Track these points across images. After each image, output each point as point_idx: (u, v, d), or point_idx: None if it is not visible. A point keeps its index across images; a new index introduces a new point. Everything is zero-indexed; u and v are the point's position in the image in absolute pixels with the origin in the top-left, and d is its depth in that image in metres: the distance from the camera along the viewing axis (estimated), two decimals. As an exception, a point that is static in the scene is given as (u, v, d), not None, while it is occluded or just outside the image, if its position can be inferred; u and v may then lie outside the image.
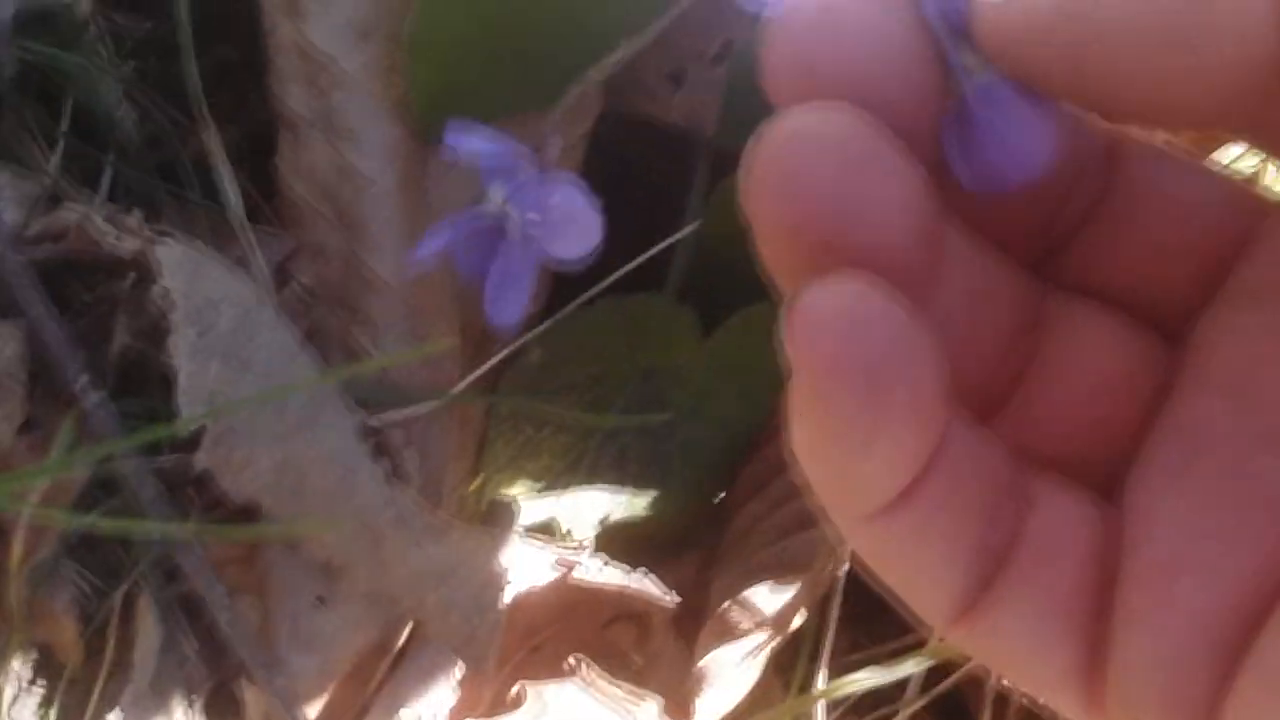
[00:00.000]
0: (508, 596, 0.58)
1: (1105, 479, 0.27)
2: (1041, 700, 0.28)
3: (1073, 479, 0.27)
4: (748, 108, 0.60)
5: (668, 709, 0.60)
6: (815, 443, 0.24)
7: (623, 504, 0.62)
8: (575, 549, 0.61)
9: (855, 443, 0.23)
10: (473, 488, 0.59)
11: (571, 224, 0.47)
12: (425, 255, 0.47)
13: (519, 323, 0.49)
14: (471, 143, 0.47)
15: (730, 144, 0.61)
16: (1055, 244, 0.28)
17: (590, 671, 0.59)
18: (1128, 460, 0.27)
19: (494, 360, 0.54)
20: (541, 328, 0.58)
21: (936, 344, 0.23)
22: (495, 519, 0.60)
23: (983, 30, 0.25)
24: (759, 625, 0.60)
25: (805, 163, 0.23)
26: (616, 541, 0.62)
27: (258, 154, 0.60)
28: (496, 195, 0.47)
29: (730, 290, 0.57)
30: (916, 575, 0.26)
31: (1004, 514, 0.26)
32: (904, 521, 0.25)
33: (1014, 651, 0.26)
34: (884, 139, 0.24)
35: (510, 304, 0.48)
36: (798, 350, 0.23)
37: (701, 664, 0.61)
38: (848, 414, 0.23)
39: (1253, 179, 0.56)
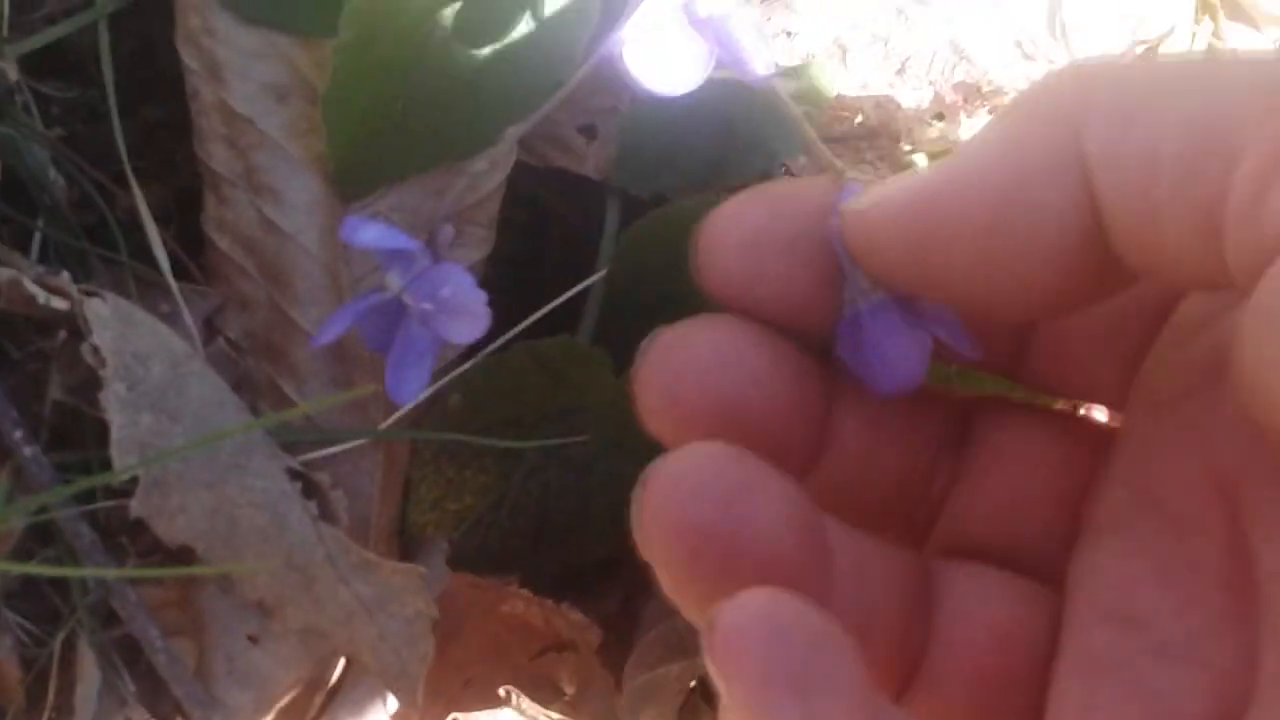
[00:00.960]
0: (437, 632, 0.61)
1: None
2: None
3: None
4: (653, 156, 0.64)
5: (595, 734, 0.63)
6: None
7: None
8: (503, 583, 0.63)
9: None
10: (398, 528, 0.62)
11: (462, 313, 0.50)
12: (330, 336, 0.50)
13: (416, 397, 0.52)
14: (368, 236, 0.50)
15: (637, 190, 0.64)
16: (927, 517, 0.31)
17: (521, 702, 0.61)
18: (1037, 708, 0.28)
19: (414, 402, 0.57)
20: (459, 371, 0.60)
21: (847, 635, 0.25)
22: (422, 557, 0.62)
23: (849, 234, 0.29)
24: (686, 651, 0.63)
25: (687, 509, 0.26)
26: (543, 575, 0.64)
27: (184, 212, 0.63)
28: (394, 283, 0.50)
29: (641, 330, 0.60)
30: None
31: None
32: None
33: None
34: (754, 468, 0.26)
35: (410, 381, 0.51)
36: (727, 668, 0.24)
37: (630, 691, 0.63)
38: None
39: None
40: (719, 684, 0.24)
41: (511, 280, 0.64)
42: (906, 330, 0.30)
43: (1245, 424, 0.26)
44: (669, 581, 0.27)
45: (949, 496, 0.31)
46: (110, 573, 0.52)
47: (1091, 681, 0.27)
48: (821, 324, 0.30)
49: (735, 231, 0.29)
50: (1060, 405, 0.33)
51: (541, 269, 0.66)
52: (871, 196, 0.28)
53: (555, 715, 0.61)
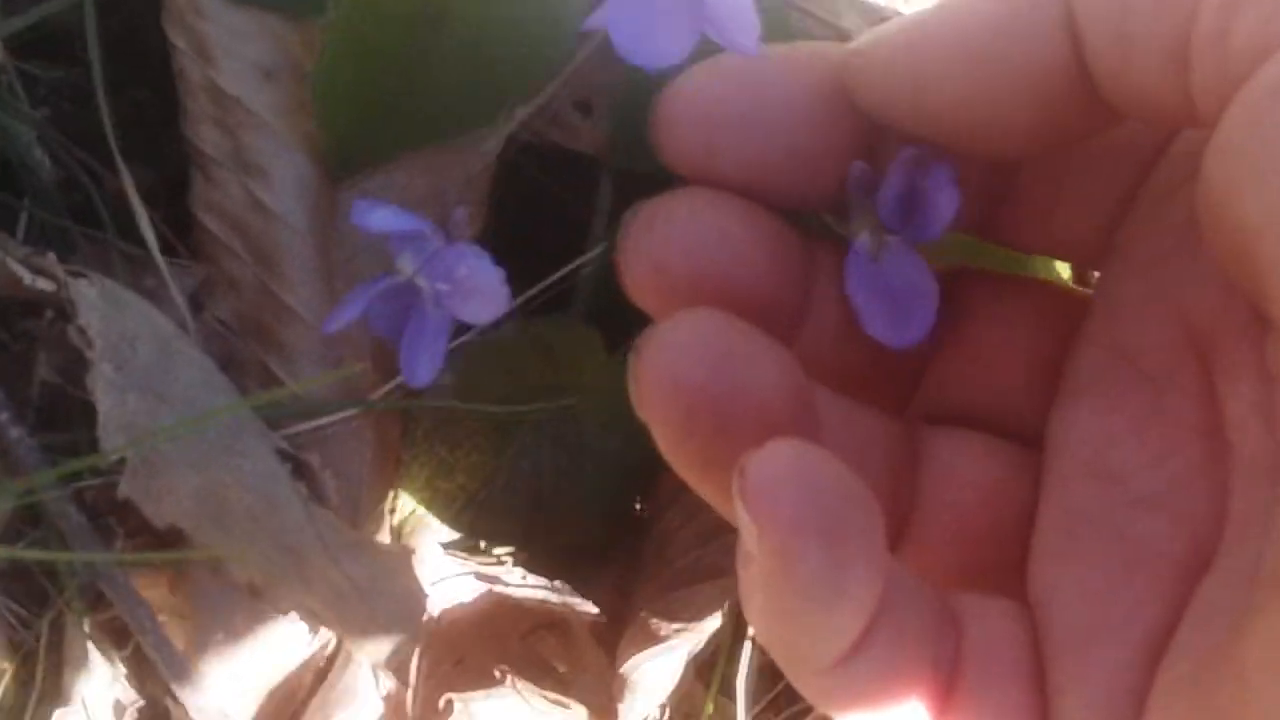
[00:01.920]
0: (431, 611, 0.61)
1: (1010, 580, 0.29)
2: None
3: (985, 589, 0.29)
4: (647, 134, 0.63)
5: (592, 716, 0.62)
6: (782, 602, 0.25)
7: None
8: (495, 562, 0.63)
9: (824, 595, 0.25)
10: (390, 507, 0.61)
11: (479, 293, 0.50)
12: (341, 323, 0.50)
13: (432, 379, 0.51)
14: (378, 219, 0.49)
15: (632, 168, 0.64)
16: (908, 383, 0.31)
17: (516, 681, 0.61)
18: (1020, 562, 0.29)
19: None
20: (452, 347, 0.60)
21: (867, 490, 0.25)
22: (414, 537, 0.62)
23: (850, 74, 0.29)
24: (679, 631, 0.63)
25: (680, 370, 0.26)
26: (536, 554, 0.64)
27: (171, 192, 0.62)
28: (407, 266, 0.50)
29: (634, 311, 0.59)
30: (879, 716, 0.27)
31: (944, 637, 0.27)
32: (863, 665, 0.26)
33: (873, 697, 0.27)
34: (744, 332, 0.27)
35: (424, 365, 0.51)
36: (759, 513, 0.24)
37: (624, 670, 0.63)
38: (815, 568, 0.24)
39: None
40: (746, 529, 0.25)
41: (504, 257, 0.64)
42: (918, 276, 0.30)
43: (1219, 280, 0.27)
44: (665, 440, 0.27)
45: (929, 363, 0.32)
46: (99, 557, 0.52)
47: (1072, 533, 0.28)
48: (788, 192, 0.30)
49: (693, 103, 0.29)
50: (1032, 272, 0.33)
51: (535, 246, 0.66)
52: (871, 36, 0.29)
53: (550, 694, 0.61)
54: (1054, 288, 0.31)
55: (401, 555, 0.55)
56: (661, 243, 0.28)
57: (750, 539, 0.25)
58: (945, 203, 0.29)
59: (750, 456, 0.25)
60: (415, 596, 0.55)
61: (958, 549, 0.30)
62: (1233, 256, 0.24)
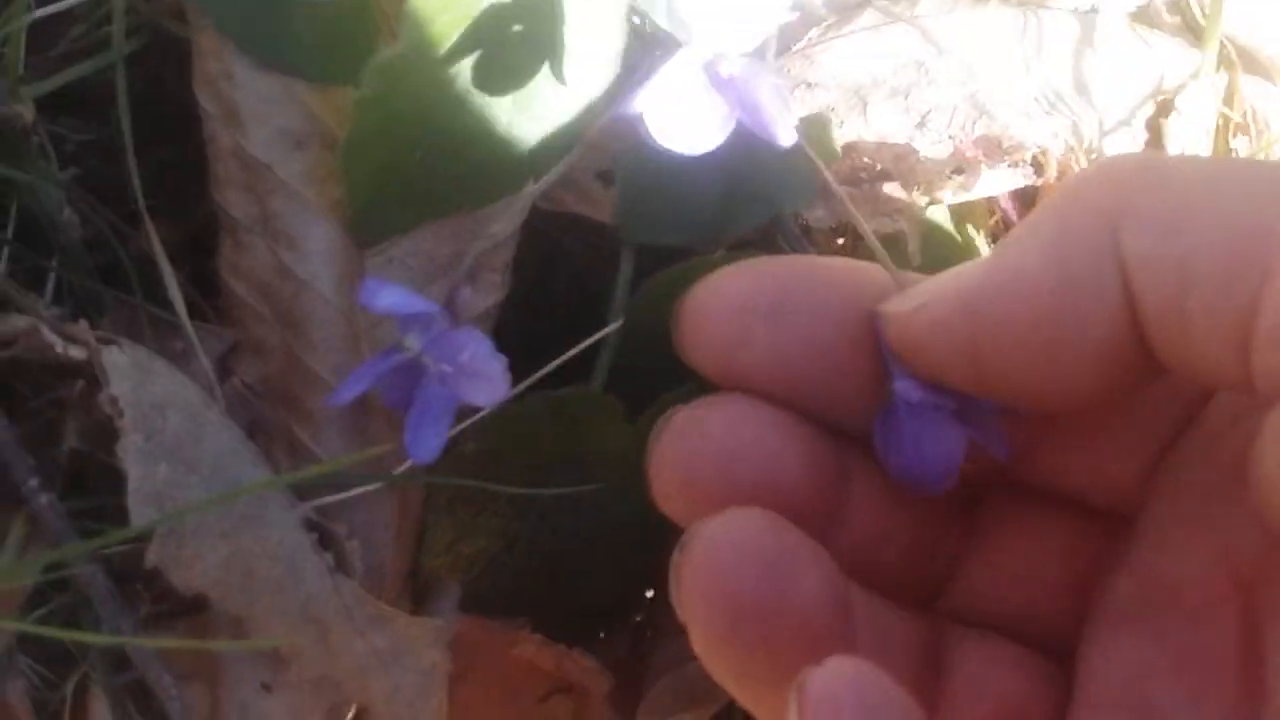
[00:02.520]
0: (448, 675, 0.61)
1: None
2: None
3: None
4: (657, 207, 0.64)
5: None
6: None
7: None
8: (513, 626, 0.64)
9: None
10: (412, 571, 0.62)
11: (481, 377, 0.51)
12: (349, 396, 0.51)
13: (435, 456, 0.52)
14: (386, 300, 0.50)
15: (654, 240, 0.64)
16: (937, 585, 0.32)
17: (529, 747, 0.61)
18: None
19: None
20: (473, 419, 0.60)
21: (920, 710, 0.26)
22: (435, 600, 0.62)
23: (893, 336, 0.29)
24: (695, 701, 0.63)
25: (729, 576, 0.27)
26: (554, 618, 0.65)
27: (198, 254, 0.63)
28: (412, 345, 0.51)
29: (654, 379, 0.60)
30: None
31: None
32: None
33: None
34: (790, 536, 0.27)
35: (428, 442, 0.51)
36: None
37: (636, 735, 0.63)
38: None
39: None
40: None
41: (525, 324, 0.64)
42: (946, 429, 0.31)
43: (1265, 524, 0.27)
44: (704, 644, 0.28)
45: (959, 568, 0.32)
46: (126, 641, 0.52)
47: None
48: (814, 394, 0.30)
49: (717, 301, 0.30)
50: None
51: (555, 312, 0.66)
52: (913, 299, 0.29)
53: (565, 762, 0.62)
54: (1088, 506, 0.32)
55: (426, 628, 0.56)
56: (695, 455, 0.29)
57: None
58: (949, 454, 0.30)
59: (810, 673, 0.25)
60: (438, 670, 0.56)
61: None
62: None
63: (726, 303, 0.30)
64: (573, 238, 0.67)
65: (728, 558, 0.27)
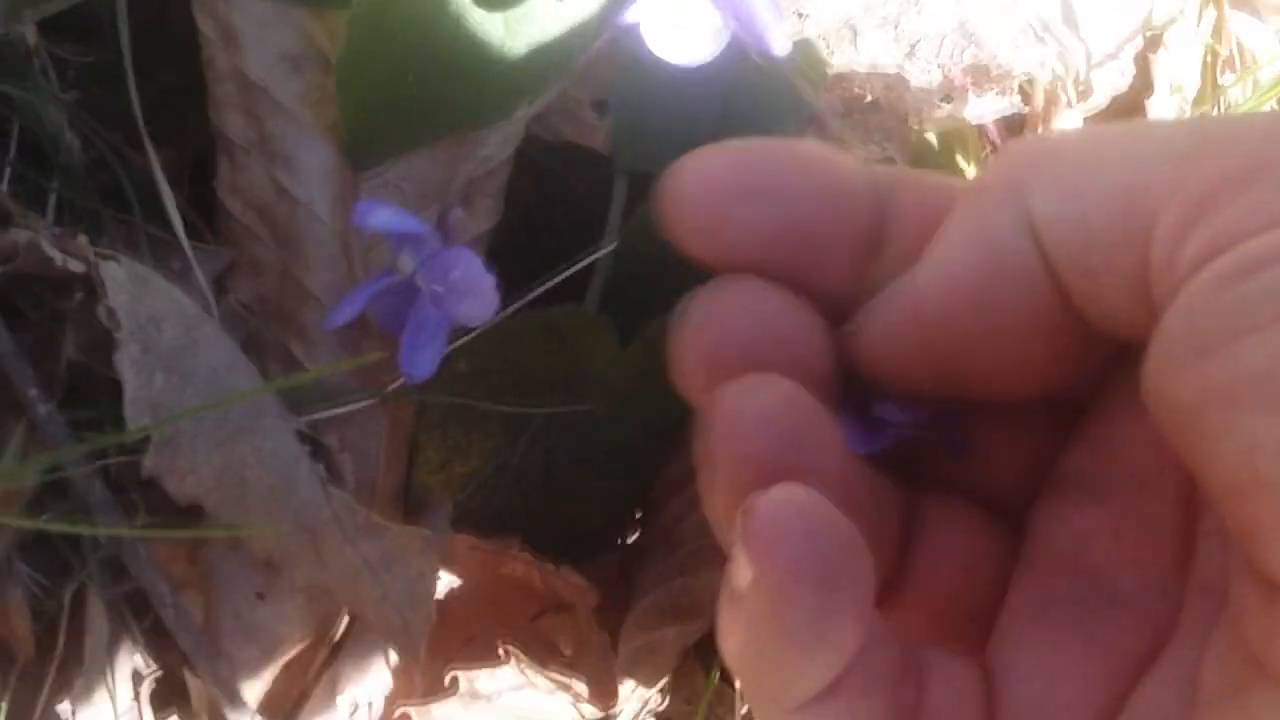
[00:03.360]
0: (440, 591, 0.62)
1: (976, 648, 0.30)
2: None
3: (950, 649, 0.30)
4: (650, 134, 0.64)
5: (593, 695, 0.64)
6: (764, 644, 0.26)
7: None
8: (504, 545, 0.65)
9: (807, 642, 0.26)
10: (403, 489, 0.63)
11: (472, 295, 0.52)
12: (345, 318, 0.52)
13: (430, 374, 0.53)
14: (379, 219, 0.51)
15: (647, 168, 0.65)
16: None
17: (520, 659, 0.62)
18: (989, 628, 0.30)
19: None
20: (467, 338, 0.61)
21: (865, 545, 0.26)
22: (427, 518, 0.63)
23: (855, 351, 0.30)
24: (680, 616, 0.64)
25: (751, 432, 0.27)
26: (544, 538, 0.66)
27: (196, 178, 0.64)
28: (406, 265, 0.52)
29: (646, 303, 0.61)
30: None
31: (906, 690, 0.28)
32: (829, 710, 0.27)
33: None
34: (807, 399, 0.28)
35: (422, 360, 0.53)
36: (759, 555, 0.25)
37: (625, 653, 0.64)
38: (805, 615, 0.25)
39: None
40: (744, 568, 0.25)
41: (519, 249, 0.65)
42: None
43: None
44: (724, 497, 0.28)
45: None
46: (123, 532, 0.53)
47: (1039, 617, 0.29)
48: (795, 276, 0.31)
49: (695, 181, 0.30)
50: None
51: (549, 238, 0.67)
52: (864, 314, 0.30)
53: (553, 674, 0.63)
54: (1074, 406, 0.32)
55: (415, 538, 0.57)
56: (718, 331, 0.30)
57: (743, 578, 0.26)
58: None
59: (758, 498, 0.26)
60: (427, 578, 0.57)
61: (934, 607, 0.31)
62: (1174, 432, 0.25)
63: (703, 182, 0.31)
64: (568, 166, 0.68)
65: (754, 418, 0.27)
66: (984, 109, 0.62)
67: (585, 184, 0.68)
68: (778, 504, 0.26)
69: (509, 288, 0.57)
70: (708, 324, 0.30)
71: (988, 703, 0.29)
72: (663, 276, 0.65)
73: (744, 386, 0.28)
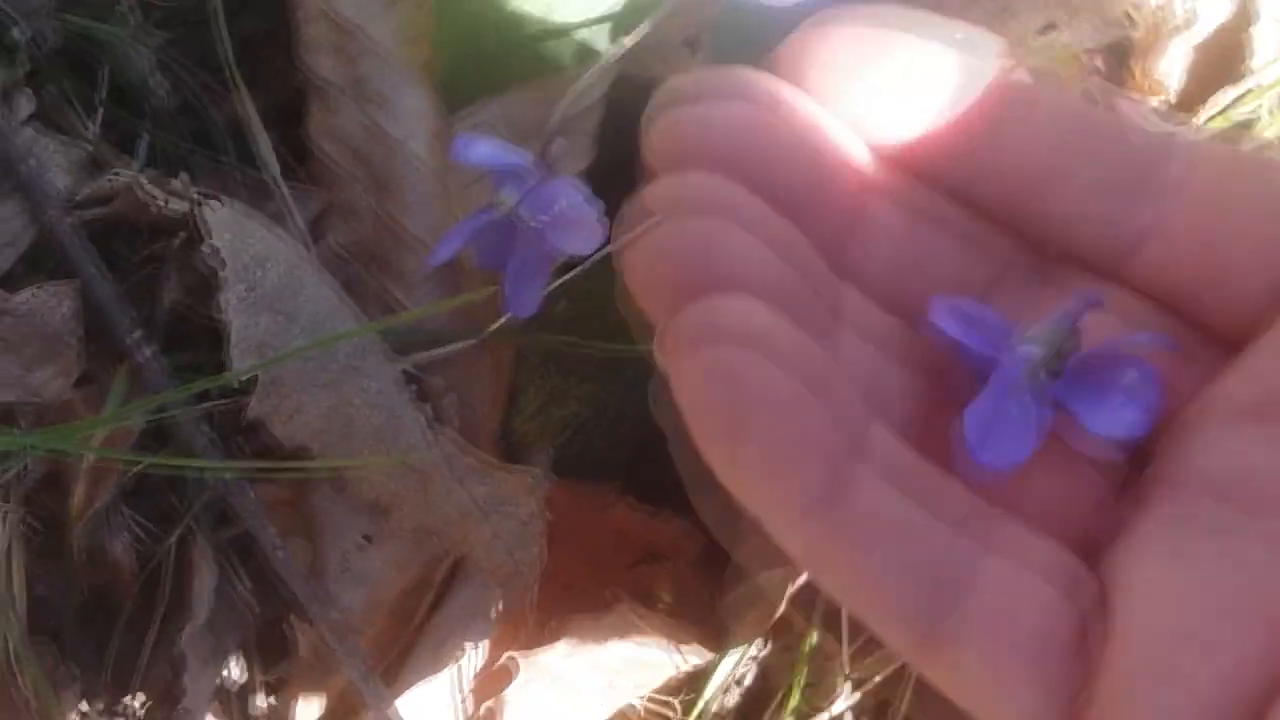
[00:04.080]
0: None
1: (1080, 541, 0.28)
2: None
3: (1044, 531, 0.28)
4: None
5: (696, 642, 0.63)
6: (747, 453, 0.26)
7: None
8: (602, 492, 0.64)
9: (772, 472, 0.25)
10: (502, 435, 0.62)
11: (576, 225, 0.50)
12: (444, 257, 0.51)
13: (534, 312, 0.52)
14: (479, 153, 0.50)
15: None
16: None
17: (625, 605, 0.61)
18: (1108, 530, 0.28)
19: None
20: (567, 278, 0.60)
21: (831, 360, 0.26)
22: (525, 464, 0.63)
23: None
24: (783, 561, 0.63)
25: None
26: (643, 484, 0.65)
27: (285, 120, 0.63)
28: (507, 199, 0.51)
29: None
30: (862, 589, 0.27)
31: (956, 547, 0.27)
32: (836, 519, 0.26)
33: (977, 688, 0.27)
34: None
35: (527, 296, 0.52)
36: (697, 373, 0.25)
37: (727, 599, 0.63)
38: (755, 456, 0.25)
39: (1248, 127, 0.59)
40: (684, 393, 0.26)
41: (614, 189, 0.64)
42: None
43: None
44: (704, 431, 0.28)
45: None
46: (230, 465, 0.53)
47: (1181, 535, 0.27)
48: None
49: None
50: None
51: (643, 180, 0.66)
52: None
53: (656, 621, 0.62)
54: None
55: (524, 479, 0.56)
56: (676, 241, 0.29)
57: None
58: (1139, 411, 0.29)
59: (685, 311, 0.25)
60: (536, 520, 0.56)
61: (1037, 485, 0.29)
62: None
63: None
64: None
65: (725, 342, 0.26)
66: (1087, 37, 0.61)
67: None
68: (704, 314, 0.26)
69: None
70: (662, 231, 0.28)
71: (1077, 603, 0.27)
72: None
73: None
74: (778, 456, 0.25)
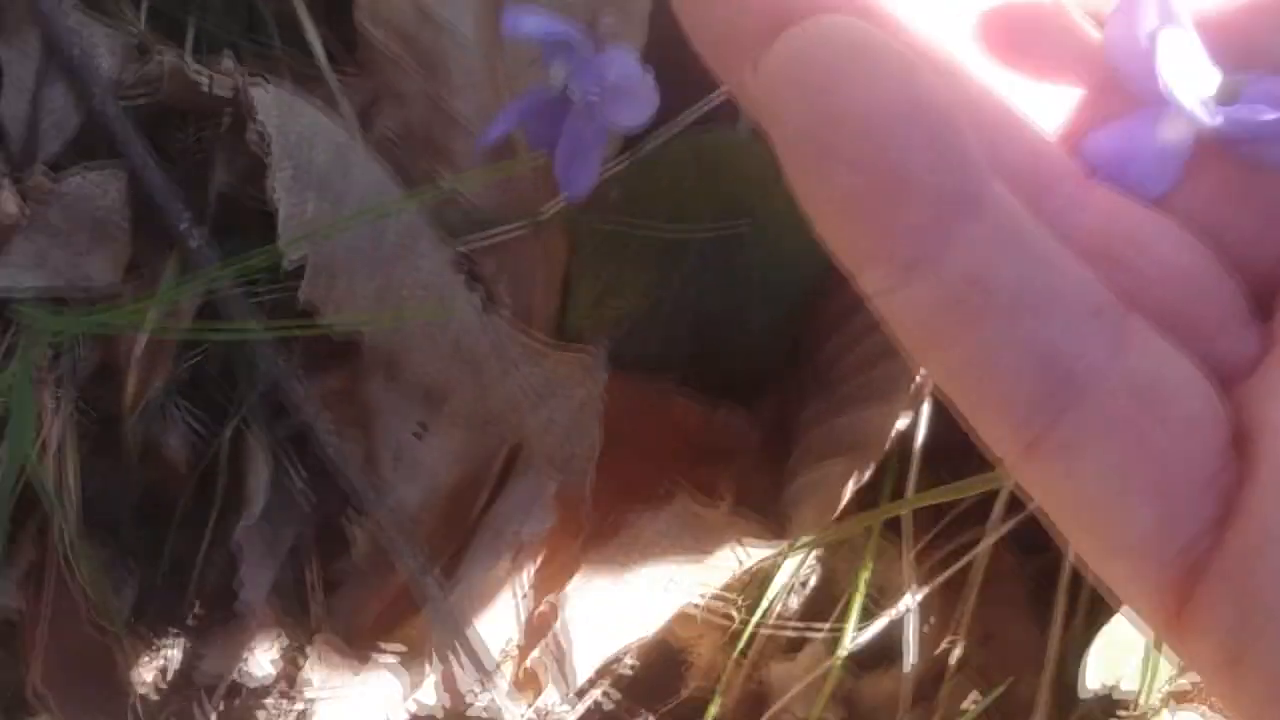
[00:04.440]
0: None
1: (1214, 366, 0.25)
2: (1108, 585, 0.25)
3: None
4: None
5: (760, 533, 0.62)
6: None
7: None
8: (660, 387, 0.63)
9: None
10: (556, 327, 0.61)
11: (629, 95, 0.49)
12: (495, 135, 0.49)
13: (588, 190, 0.51)
14: (530, 25, 0.49)
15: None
16: None
17: (685, 497, 0.60)
18: (1244, 359, 0.25)
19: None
20: (619, 165, 0.59)
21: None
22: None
23: None
24: (845, 452, 0.62)
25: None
26: (700, 378, 0.63)
27: (333, 10, 0.62)
28: (558, 74, 0.49)
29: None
30: (973, 371, 0.23)
31: (1085, 337, 0.23)
32: (945, 278, 0.22)
33: (1089, 504, 0.24)
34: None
35: (581, 174, 0.50)
36: (791, 85, 0.21)
37: (789, 492, 0.62)
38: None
39: None
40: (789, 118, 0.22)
41: (666, 76, 0.63)
42: None
43: None
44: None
45: None
46: (283, 325, 0.52)
47: None
48: None
49: None
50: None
51: (696, 64, 0.64)
52: None
53: (719, 513, 0.61)
54: None
55: (577, 363, 0.55)
56: None
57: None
58: None
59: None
60: (593, 404, 0.55)
61: (1172, 294, 0.25)
62: None
63: None
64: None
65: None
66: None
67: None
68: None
69: (659, 116, 0.55)
70: None
71: (1219, 422, 0.24)
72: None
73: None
74: (881, 189, 0.22)
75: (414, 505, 0.56)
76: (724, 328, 0.63)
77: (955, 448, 0.64)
